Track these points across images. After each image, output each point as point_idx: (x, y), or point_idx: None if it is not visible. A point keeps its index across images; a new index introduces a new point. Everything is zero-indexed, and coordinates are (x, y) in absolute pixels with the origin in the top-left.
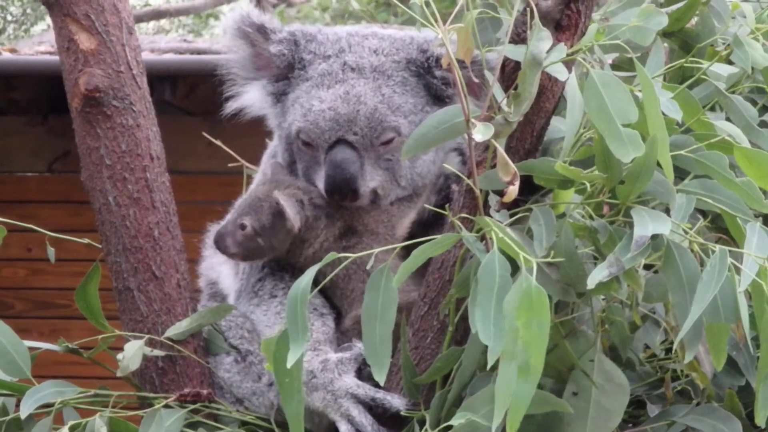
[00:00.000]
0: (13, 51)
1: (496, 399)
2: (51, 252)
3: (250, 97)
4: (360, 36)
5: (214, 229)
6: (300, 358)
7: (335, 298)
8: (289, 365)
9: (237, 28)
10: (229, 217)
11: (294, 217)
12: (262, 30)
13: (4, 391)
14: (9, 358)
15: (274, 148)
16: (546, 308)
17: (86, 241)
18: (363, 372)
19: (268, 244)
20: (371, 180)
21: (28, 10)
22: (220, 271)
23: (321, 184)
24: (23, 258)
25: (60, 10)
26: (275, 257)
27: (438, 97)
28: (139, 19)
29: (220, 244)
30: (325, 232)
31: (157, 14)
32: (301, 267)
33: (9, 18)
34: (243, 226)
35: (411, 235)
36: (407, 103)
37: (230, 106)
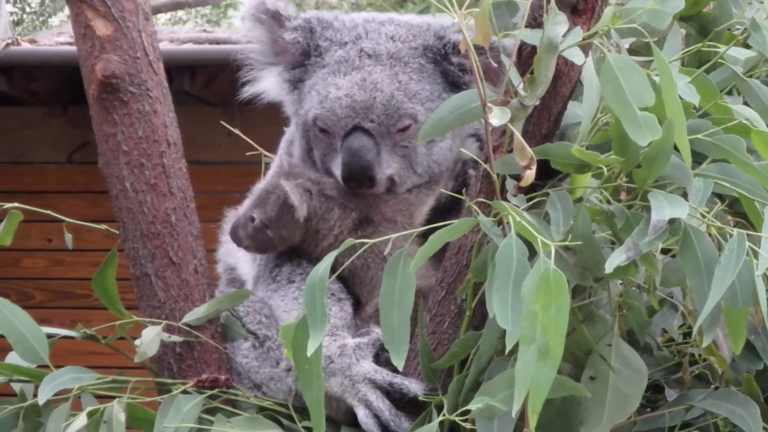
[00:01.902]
0: (32, 42)
1: (516, 383)
2: (68, 238)
3: (267, 83)
4: (377, 22)
5: (232, 215)
6: (320, 345)
7: (354, 286)
8: (309, 354)
9: (252, 14)
10: (244, 205)
11: (299, 205)
12: (276, 17)
13: (23, 378)
14: (27, 345)
15: (291, 134)
16: (565, 291)
17: (104, 227)
18: (380, 357)
19: (277, 235)
20: (388, 167)
21: (47, 1)
22: (237, 257)
23: (338, 171)
24: (44, 248)
25: None
26: (290, 247)
27: (455, 84)
28: (157, 10)
29: (234, 237)
30: (339, 223)
31: (176, 5)
32: (318, 258)
33: (28, 9)
34: (252, 219)
35: (428, 221)
36: (424, 90)
37: (247, 91)
